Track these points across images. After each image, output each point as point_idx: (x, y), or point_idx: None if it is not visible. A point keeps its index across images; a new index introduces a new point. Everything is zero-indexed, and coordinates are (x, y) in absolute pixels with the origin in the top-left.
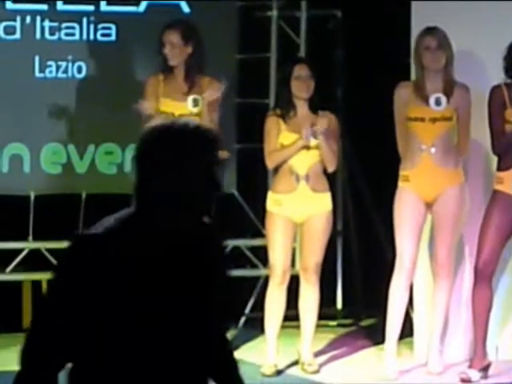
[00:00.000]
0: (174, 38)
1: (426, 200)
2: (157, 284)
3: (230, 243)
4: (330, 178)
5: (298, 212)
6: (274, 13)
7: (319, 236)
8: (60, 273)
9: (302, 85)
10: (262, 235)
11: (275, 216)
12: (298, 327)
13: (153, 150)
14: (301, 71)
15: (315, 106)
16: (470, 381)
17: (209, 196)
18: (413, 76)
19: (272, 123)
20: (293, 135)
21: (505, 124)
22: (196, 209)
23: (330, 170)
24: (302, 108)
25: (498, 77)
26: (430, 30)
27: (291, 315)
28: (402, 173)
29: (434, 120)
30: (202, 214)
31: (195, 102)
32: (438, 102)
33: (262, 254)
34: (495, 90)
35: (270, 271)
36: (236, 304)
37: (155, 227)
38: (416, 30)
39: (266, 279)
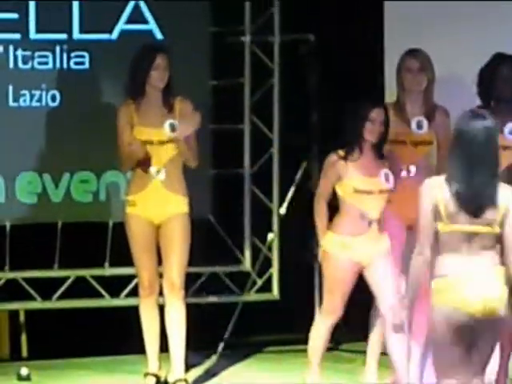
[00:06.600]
0: (164, 60)
1: (406, 223)
2: None
3: (207, 270)
4: (302, 203)
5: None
6: (247, 38)
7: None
8: None
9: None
10: (238, 261)
11: None
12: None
13: None
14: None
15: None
16: None
17: None
18: (387, 99)
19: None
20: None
21: None
22: None
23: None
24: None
25: (476, 100)
26: (412, 52)
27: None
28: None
29: (415, 143)
30: None
31: (172, 127)
32: (419, 126)
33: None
34: None
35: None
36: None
37: None
38: (389, 52)
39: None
